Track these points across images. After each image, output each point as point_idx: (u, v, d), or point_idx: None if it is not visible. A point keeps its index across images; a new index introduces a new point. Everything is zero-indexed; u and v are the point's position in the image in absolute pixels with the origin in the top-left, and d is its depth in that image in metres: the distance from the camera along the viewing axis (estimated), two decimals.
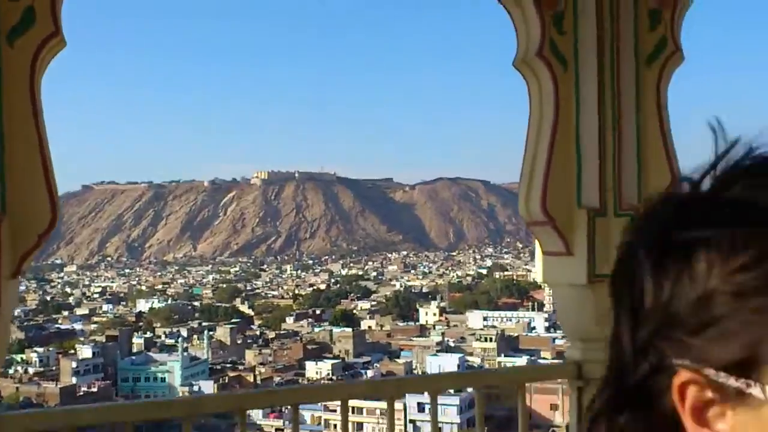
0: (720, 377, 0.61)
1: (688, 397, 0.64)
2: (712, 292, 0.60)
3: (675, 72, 3.17)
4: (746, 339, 0.60)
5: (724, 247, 0.60)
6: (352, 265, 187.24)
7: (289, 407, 3.62)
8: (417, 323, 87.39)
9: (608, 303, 0.71)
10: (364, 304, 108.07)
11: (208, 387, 57.36)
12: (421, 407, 38.80)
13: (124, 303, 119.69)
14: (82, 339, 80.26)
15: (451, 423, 44.91)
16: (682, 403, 0.64)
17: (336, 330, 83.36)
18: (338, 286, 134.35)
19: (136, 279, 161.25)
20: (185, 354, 71.62)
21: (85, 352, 71.78)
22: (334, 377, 54.96)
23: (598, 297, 2.73)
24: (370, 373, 50.35)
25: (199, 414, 3.41)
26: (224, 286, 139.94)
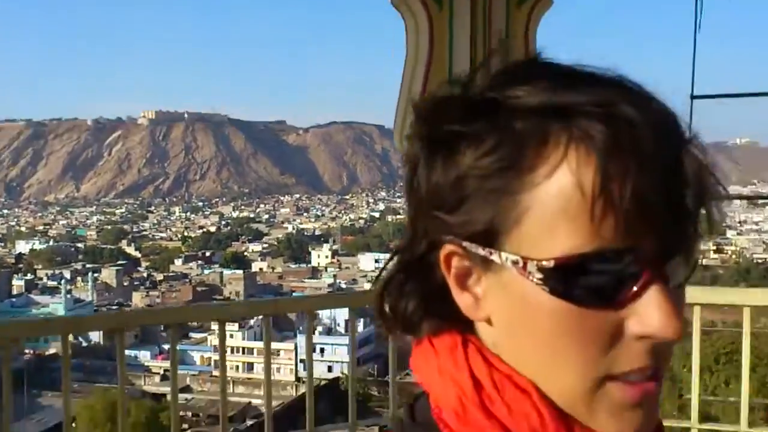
0: (472, 248, 0.71)
1: (452, 267, 0.74)
2: (464, 176, 0.70)
3: (545, 16, 3.28)
4: (488, 214, 0.69)
5: (474, 137, 0.69)
6: (243, 207, 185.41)
7: (176, 349, 3.70)
8: (309, 265, 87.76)
9: None
10: (256, 247, 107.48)
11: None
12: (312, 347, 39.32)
13: (2, 244, 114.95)
14: None
15: (341, 362, 45.68)
16: (449, 271, 0.75)
17: (226, 272, 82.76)
18: (229, 228, 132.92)
19: (15, 220, 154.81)
20: (69, 296, 69.77)
21: None
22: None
23: None
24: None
25: (76, 331, 3.47)
26: (109, 227, 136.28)
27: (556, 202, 0.66)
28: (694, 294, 3.55)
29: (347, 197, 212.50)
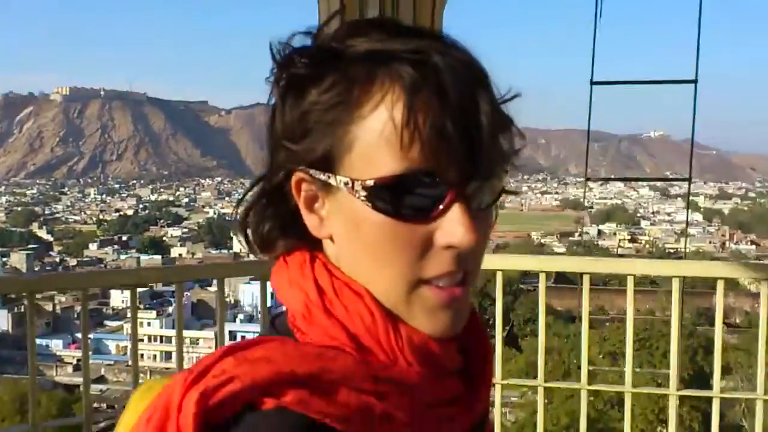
0: (315, 173, 0.84)
1: (302, 191, 0.87)
2: (307, 111, 0.83)
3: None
4: (326, 143, 0.82)
5: (317, 79, 0.83)
6: (162, 190, 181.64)
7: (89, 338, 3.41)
8: (231, 251, 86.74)
9: None
10: (175, 231, 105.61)
11: (2, 316, 54.22)
12: (232, 335, 38.76)
13: None
14: None
15: None
16: (299, 196, 0.87)
17: (144, 257, 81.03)
18: (147, 212, 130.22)
19: None
20: None
21: None
22: (141, 305, 53.60)
23: None
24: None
25: None
26: (19, 209, 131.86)
27: (377, 132, 0.80)
28: (494, 261, 3.78)
29: None
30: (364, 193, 0.81)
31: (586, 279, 3.67)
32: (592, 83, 4.33)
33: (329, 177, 0.83)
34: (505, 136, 0.83)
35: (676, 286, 3.59)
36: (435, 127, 0.78)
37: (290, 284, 0.89)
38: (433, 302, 0.83)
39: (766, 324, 3.48)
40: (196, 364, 0.80)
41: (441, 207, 0.80)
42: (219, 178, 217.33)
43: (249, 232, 0.94)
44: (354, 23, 0.86)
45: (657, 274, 4.48)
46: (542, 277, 3.70)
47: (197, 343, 46.59)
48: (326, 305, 0.85)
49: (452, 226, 0.80)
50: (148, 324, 53.31)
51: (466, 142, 0.79)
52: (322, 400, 0.78)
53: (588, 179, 5.37)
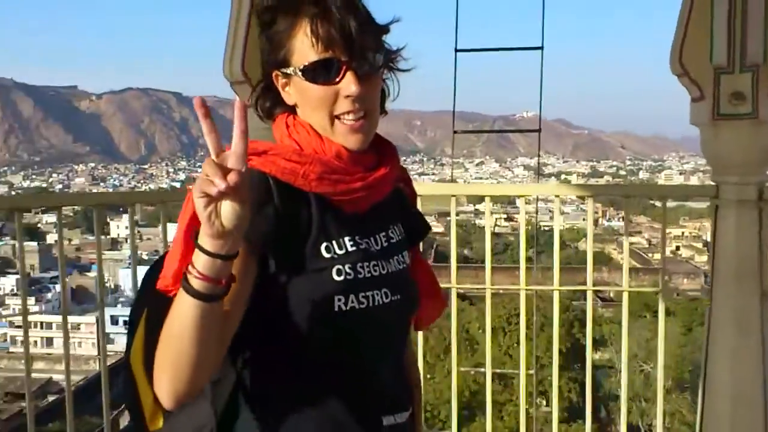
0: (281, 70, 1.48)
1: (279, 82, 1.51)
2: (271, 37, 1.47)
3: None
4: (283, 52, 1.46)
5: (273, 20, 1.47)
6: (34, 177, 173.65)
7: None
8: (108, 237, 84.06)
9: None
10: (50, 218, 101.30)
11: None
12: (114, 320, 37.87)
13: None
14: None
15: None
16: (278, 85, 1.51)
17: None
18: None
19: None
20: None
21: None
22: (20, 292, 51.48)
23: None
24: (58, 287, 47.67)
25: None
26: None
27: (301, 42, 1.43)
28: None
29: (145, 167, 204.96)
30: (301, 74, 1.45)
31: (453, 201, 4.06)
32: (456, 51, 4.65)
33: (287, 70, 1.47)
34: (372, 34, 1.44)
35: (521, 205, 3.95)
36: (326, 34, 1.41)
37: (276, 129, 1.54)
38: (345, 130, 1.46)
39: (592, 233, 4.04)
40: None
41: (339, 75, 1.43)
42: (92, 164, 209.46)
43: (259, 109, 1.57)
44: None
45: (509, 193, 4.96)
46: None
47: (78, 328, 45.17)
48: (291, 134, 1.50)
49: (346, 84, 1.43)
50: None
51: (345, 39, 1.41)
52: (269, 164, 1.43)
53: (456, 132, 5.68)
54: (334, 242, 1.43)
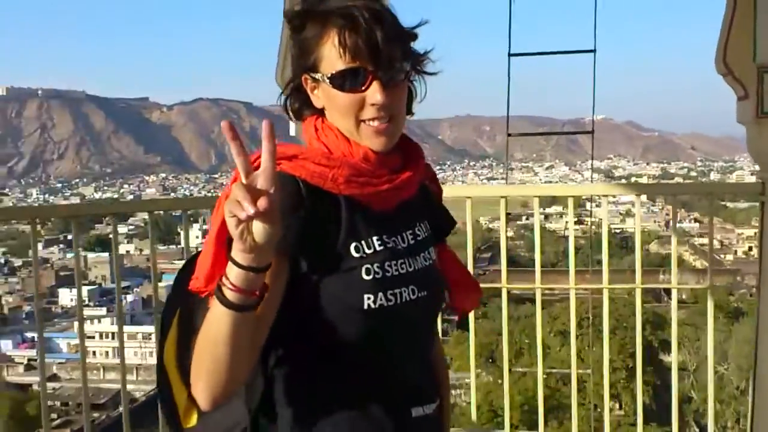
0: (310, 74, 1.54)
1: (308, 86, 1.57)
2: (302, 42, 1.54)
3: None
4: (312, 57, 1.52)
5: (310, 23, 1.51)
6: (106, 188, 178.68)
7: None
8: (179, 246, 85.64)
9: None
10: (122, 229, 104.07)
11: None
12: None
13: None
14: None
15: None
16: (308, 88, 1.57)
17: (91, 255, 79.74)
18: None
19: None
20: None
21: None
22: (92, 303, 52.83)
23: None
24: (130, 297, 48.68)
25: None
26: None
27: (330, 49, 1.48)
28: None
29: (216, 176, 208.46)
30: (329, 81, 1.51)
31: (502, 203, 4.07)
32: (510, 55, 4.77)
33: (316, 75, 1.53)
34: (398, 44, 1.50)
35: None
36: (354, 45, 1.46)
37: (305, 131, 1.61)
38: (370, 132, 1.52)
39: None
40: None
41: (366, 83, 1.49)
42: (163, 174, 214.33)
43: (289, 110, 1.65)
44: (313, 1, 1.53)
45: (554, 194, 5.50)
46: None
47: (149, 338, 46.09)
48: (319, 137, 1.57)
49: (372, 93, 1.49)
50: (99, 321, 52.57)
51: (371, 49, 1.46)
52: (299, 167, 1.49)
53: (510, 135, 5.87)
54: (363, 242, 1.50)
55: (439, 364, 1.75)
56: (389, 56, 1.47)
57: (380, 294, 1.48)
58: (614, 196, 4.29)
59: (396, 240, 1.56)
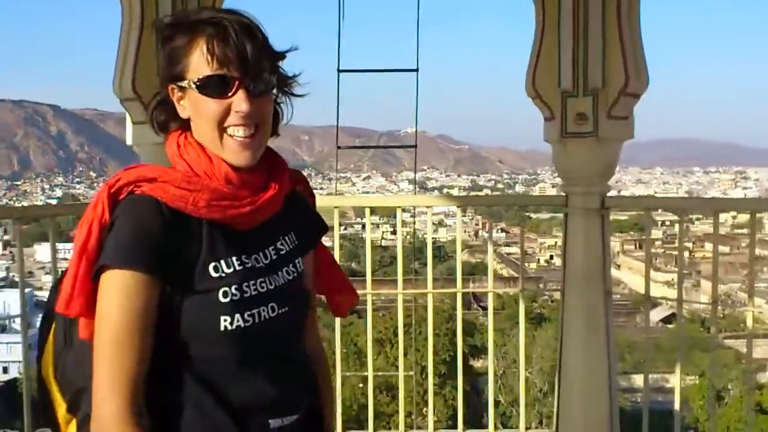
0: (177, 83, 1.57)
1: (174, 96, 1.60)
2: (169, 52, 1.56)
3: None
4: (179, 66, 1.55)
5: (178, 34, 1.56)
6: None
7: None
8: None
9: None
10: None
11: None
12: None
13: None
14: None
15: (18, 362, 41.97)
16: (174, 98, 1.60)
17: None
18: None
19: None
20: None
21: None
22: None
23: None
24: None
25: None
26: None
27: (199, 56, 1.52)
28: None
29: (18, 183, 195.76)
30: (194, 86, 1.54)
31: (336, 212, 4.30)
32: (339, 71, 4.96)
33: (183, 83, 1.56)
34: (266, 58, 1.55)
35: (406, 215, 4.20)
36: (222, 52, 1.51)
37: (168, 147, 1.62)
38: (233, 145, 1.55)
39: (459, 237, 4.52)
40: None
41: (232, 90, 1.53)
42: None
43: (155, 123, 1.66)
44: (192, 9, 1.76)
45: (380, 204, 5.57)
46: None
47: None
48: (182, 154, 1.58)
49: (238, 101, 1.53)
50: None
51: (240, 58, 1.51)
52: (159, 190, 1.51)
53: (339, 147, 6.14)
54: (222, 261, 1.54)
55: (316, 364, 1.82)
56: (257, 67, 1.52)
57: (237, 315, 1.51)
58: (428, 207, 4.67)
59: (258, 257, 1.60)
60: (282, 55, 1.59)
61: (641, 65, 3.89)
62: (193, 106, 1.56)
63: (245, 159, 1.55)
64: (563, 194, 4.16)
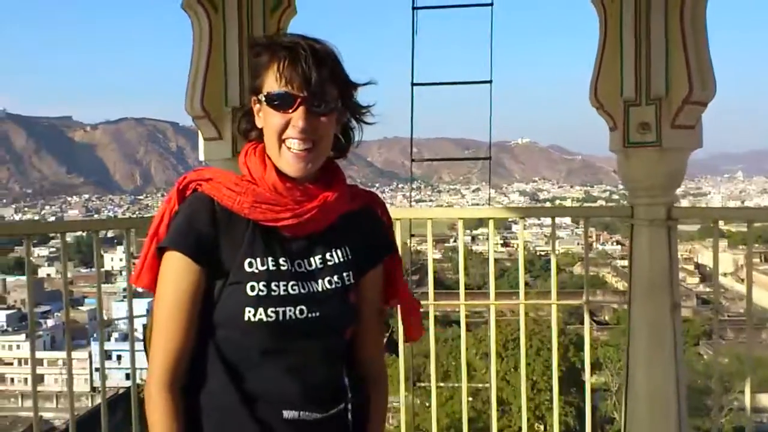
0: (255, 96, 1.76)
1: (254, 107, 1.79)
2: (254, 65, 1.77)
3: None
4: (258, 81, 1.74)
5: (258, 53, 1.75)
6: (26, 209, 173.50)
7: None
8: (103, 269, 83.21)
9: None
10: (42, 251, 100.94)
11: None
12: (108, 354, 37.29)
13: None
14: None
15: (141, 369, 43.61)
16: (254, 109, 1.79)
17: (10, 279, 77.07)
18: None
19: None
20: None
21: None
22: (10, 328, 51.08)
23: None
24: (50, 322, 47.03)
25: None
26: None
27: (272, 74, 1.71)
28: None
29: (141, 197, 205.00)
30: (265, 99, 1.73)
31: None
32: (413, 84, 4.95)
33: (259, 96, 1.74)
34: (332, 83, 1.71)
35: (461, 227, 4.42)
36: (290, 72, 1.68)
37: (241, 153, 1.81)
38: (289, 157, 1.72)
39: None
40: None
41: (294, 106, 1.70)
42: (86, 195, 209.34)
43: (239, 129, 1.85)
44: (281, 33, 2.16)
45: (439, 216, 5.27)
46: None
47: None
48: (245, 160, 1.79)
49: (296, 117, 1.70)
50: (18, 347, 50.82)
51: (304, 80, 1.68)
52: (214, 189, 1.74)
53: (413, 160, 6.24)
54: (258, 259, 1.72)
55: (372, 379, 1.95)
56: (320, 89, 1.69)
57: (261, 309, 1.69)
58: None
59: (301, 262, 1.77)
60: (355, 85, 1.77)
61: (707, 73, 3.80)
62: (264, 117, 1.75)
63: (298, 170, 1.72)
64: (629, 205, 4.11)
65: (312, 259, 1.78)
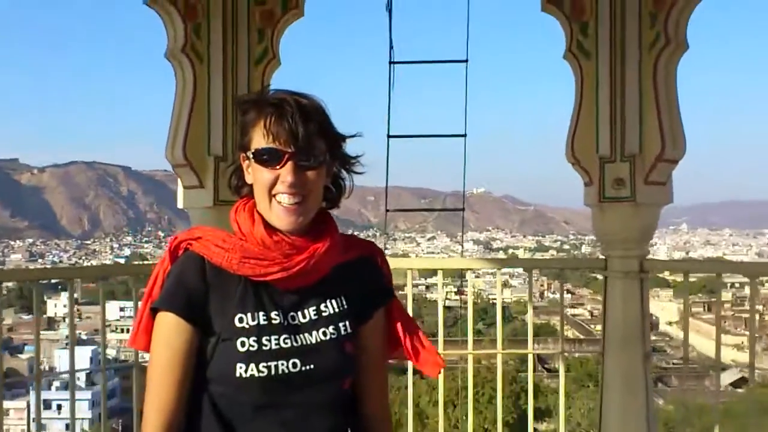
0: (244, 153, 1.78)
1: (243, 163, 1.81)
2: (243, 124, 1.78)
3: None
4: (247, 138, 1.77)
5: (249, 109, 1.77)
6: None
7: None
8: (45, 316, 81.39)
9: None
10: None
11: None
12: (47, 404, 36.16)
13: None
14: None
15: (82, 419, 42.46)
16: (244, 166, 1.82)
17: None
18: None
19: None
20: None
21: None
22: None
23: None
24: None
25: None
26: None
27: (259, 131, 1.73)
28: None
29: (88, 242, 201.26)
30: (252, 156, 1.75)
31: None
32: (389, 137, 5.10)
33: (247, 154, 1.77)
34: (320, 138, 1.73)
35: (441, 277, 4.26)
36: (276, 129, 1.70)
37: (233, 207, 1.83)
38: (279, 211, 1.74)
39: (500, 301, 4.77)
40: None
41: (282, 162, 1.71)
42: (31, 240, 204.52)
43: (230, 186, 1.87)
44: (264, 90, 1.90)
45: (421, 267, 6.42)
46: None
47: (8, 414, 42.76)
48: (236, 216, 1.80)
49: (285, 172, 1.71)
50: None
51: (292, 135, 1.70)
52: (203, 248, 1.76)
53: (388, 210, 6.40)
54: (249, 314, 1.72)
55: (376, 428, 1.94)
56: (307, 144, 1.70)
57: (252, 365, 1.69)
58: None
59: (295, 315, 1.77)
60: (342, 138, 1.79)
61: (678, 132, 3.93)
62: (253, 173, 1.77)
63: (289, 224, 1.74)
64: (603, 257, 4.19)
65: (306, 311, 1.79)
